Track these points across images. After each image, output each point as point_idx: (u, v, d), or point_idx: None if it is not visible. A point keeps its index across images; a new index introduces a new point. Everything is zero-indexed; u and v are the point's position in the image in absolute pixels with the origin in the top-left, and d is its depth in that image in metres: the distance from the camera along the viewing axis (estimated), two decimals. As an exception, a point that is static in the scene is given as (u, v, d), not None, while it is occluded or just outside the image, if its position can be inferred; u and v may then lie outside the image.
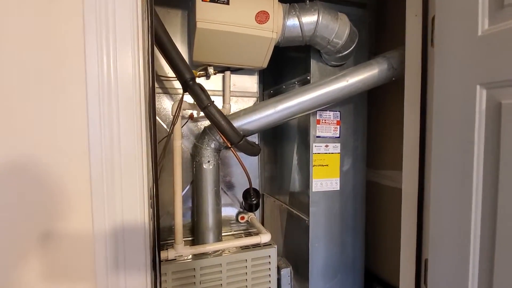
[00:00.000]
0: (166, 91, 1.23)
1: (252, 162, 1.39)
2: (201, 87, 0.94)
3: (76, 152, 0.55)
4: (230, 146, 1.03)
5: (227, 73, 1.26)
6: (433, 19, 0.75)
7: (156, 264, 0.65)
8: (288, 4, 1.07)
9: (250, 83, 1.35)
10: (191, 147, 1.26)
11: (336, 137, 1.24)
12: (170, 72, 1.08)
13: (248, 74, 1.35)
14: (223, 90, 1.28)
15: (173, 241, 1.05)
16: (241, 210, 1.36)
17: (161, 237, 1.23)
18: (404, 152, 0.84)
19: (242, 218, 1.33)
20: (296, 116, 1.12)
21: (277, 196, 1.54)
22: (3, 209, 0.51)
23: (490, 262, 0.58)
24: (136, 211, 0.58)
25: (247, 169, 1.12)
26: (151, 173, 0.65)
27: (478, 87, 0.62)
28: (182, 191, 1.27)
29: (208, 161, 1.09)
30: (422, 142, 0.79)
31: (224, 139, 1.00)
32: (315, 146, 1.21)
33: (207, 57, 1.12)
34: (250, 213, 1.35)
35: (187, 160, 1.28)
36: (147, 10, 0.65)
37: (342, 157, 1.25)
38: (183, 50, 1.26)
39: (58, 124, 0.54)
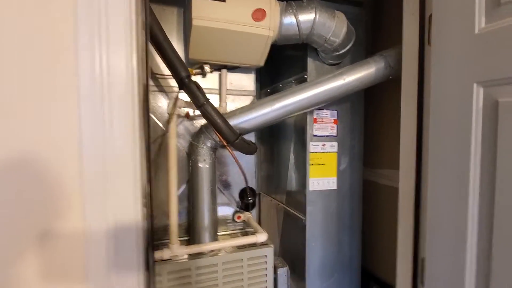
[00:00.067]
0: (162, 89, 1.22)
1: (249, 161, 1.38)
2: (197, 85, 0.93)
3: (67, 151, 0.54)
4: (226, 144, 1.02)
5: (224, 71, 1.25)
6: (430, 17, 0.75)
7: (150, 265, 0.64)
8: (285, 2, 1.06)
9: (247, 81, 1.34)
10: (187, 146, 1.25)
11: (333, 136, 1.24)
12: (166, 70, 1.07)
13: (245, 73, 1.34)
14: (220, 89, 1.27)
15: (168, 240, 1.04)
16: (238, 209, 1.35)
17: (157, 236, 1.22)
18: (401, 151, 0.84)
19: (239, 217, 1.32)
20: (293, 115, 1.12)
21: (274, 195, 1.53)
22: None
23: (487, 261, 0.58)
24: (129, 210, 0.57)
25: (243, 168, 1.11)
26: (145, 171, 0.63)
27: (475, 85, 0.62)
28: (178, 190, 1.26)
29: (204, 160, 1.08)
30: (419, 140, 0.79)
31: (220, 137, 0.99)
32: (312, 145, 1.20)
33: (203, 55, 1.11)
34: (246, 213, 1.34)
35: (183, 159, 1.27)
36: (141, 6, 0.64)
37: (339, 156, 1.25)
38: (179, 48, 1.25)
39: (48, 121, 0.53)
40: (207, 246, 1.06)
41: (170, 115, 1.00)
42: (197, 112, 1.11)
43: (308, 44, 1.14)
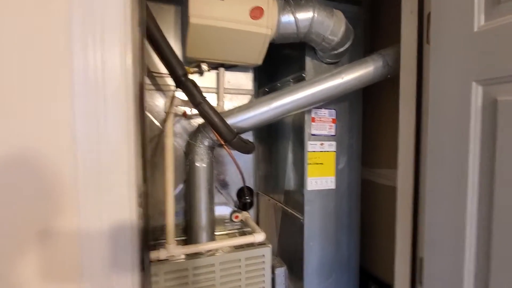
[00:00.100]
0: (159, 88, 1.20)
1: (247, 161, 1.37)
2: (193, 83, 0.92)
3: (60, 149, 0.53)
4: (223, 143, 1.01)
5: (221, 70, 1.24)
6: (428, 15, 0.75)
7: (145, 265, 0.63)
8: (283, 0, 1.06)
9: (245, 80, 1.33)
10: (184, 145, 1.24)
11: (331, 135, 1.23)
12: (163, 69, 1.06)
13: (243, 71, 1.33)
14: (217, 88, 1.26)
15: (166, 240, 1.03)
16: (235, 209, 1.34)
17: (153, 236, 1.21)
18: (399, 150, 0.83)
19: (236, 217, 1.31)
20: (291, 114, 1.11)
21: (272, 195, 1.52)
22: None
23: (486, 260, 0.58)
24: (124, 210, 0.56)
25: (241, 167, 1.10)
26: (141, 170, 0.63)
27: (474, 83, 0.61)
28: (176, 190, 1.25)
29: (202, 159, 1.07)
30: (417, 140, 0.78)
31: (217, 136, 0.98)
32: (310, 144, 1.20)
33: (200, 53, 1.10)
34: (244, 212, 1.33)
35: (180, 158, 1.26)
36: (137, 3, 0.63)
37: (338, 155, 1.25)
38: (176, 47, 1.23)
39: (41, 119, 0.52)
40: (204, 246, 1.05)
41: (167, 113, 0.99)
42: (195, 111, 1.11)
43: (306, 43, 1.13)
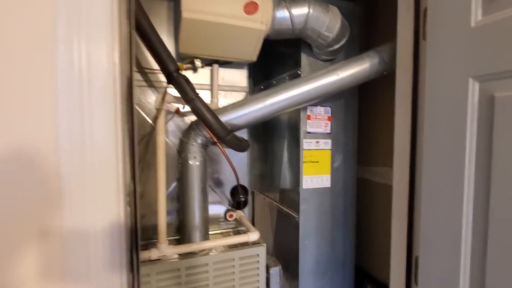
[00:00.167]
0: (151, 85, 1.18)
1: (241, 159, 1.35)
2: (186, 79, 0.90)
3: (43, 147, 0.50)
4: (216, 141, 0.99)
5: (215, 66, 1.22)
6: (425, 11, 0.73)
7: (134, 265, 0.61)
8: (278, -5, 1.04)
9: (240, 77, 1.31)
10: (178, 143, 1.22)
11: (327, 133, 1.22)
12: (155, 64, 1.03)
13: (237, 68, 1.31)
14: (211, 84, 1.24)
15: (157, 240, 1.01)
16: (230, 208, 1.33)
17: (146, 236, 1.19)
18: (395, 148, 0.82)
19: (231, 216, 1.30)
20: (286, 111, 1.09)
21: (267, 194, 1.51)
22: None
23: (482, 259, 0.57)
24: (111, 209, 0.54)
25: (234, 166, 1.09)
26: (129, 168, 0.60)
27: (470, 80, 0.60)
28: (169, 189, 1.23)
29: (195, 157, 1.05)
30: (413, 137, 0.77)
31: (210, 133, 0.96)
32: (306, 142, 1.18)
33: (193, 49, 1.08)
34: (238, 211, 1.31)
35: (174, 156, 1.23)
36: (125, -6, 0.60)
37: (333, 153, 1.23)
38: (169, 42, 1.21)
39: (24, 116, 0.50)
40: (197, 245, 1.03)
41: (158, 110, 0.97)
42: (188, 108, 1.08)
43: (302, 39, 1.12)
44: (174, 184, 1.24)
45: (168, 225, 1.24)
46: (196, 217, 1.07)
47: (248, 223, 1.22)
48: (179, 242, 1.17)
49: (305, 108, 1.17)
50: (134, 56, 0.66)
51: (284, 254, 1.34)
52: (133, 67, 0.65)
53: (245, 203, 1.24)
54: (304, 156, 1.18)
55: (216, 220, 1.34)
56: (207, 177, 1.15)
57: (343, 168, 1.26)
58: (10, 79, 0.48)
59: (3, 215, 0.48)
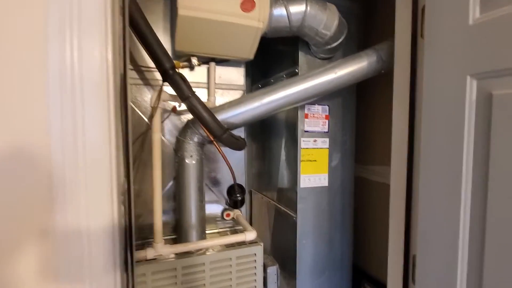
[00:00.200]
0: (148, 83, 1.17)
1: (238, 157, 1.35)
2: (182, 76, 0.89)
3: (35, 144, 0.49)
4: (212, 139, 0.98)
5: (212, 64, 1.21)
6: (423, 9, 0.73)
7: (129, 265, 0.61)
8: (275, -8, 1.03)
9: (237, 75, 1.30)
10: (174, 142, 1.21)
11: (324, 131, 1.22)
12: (152, 62, 1.02)
13: (234, 66, 1.30)
14: (208, 82, 1.23)
15: (153, 239, 1.00)
16: (227, 207, 1.32)
17: (143, 235, 1.18)
18: (393, 146, 0.82)
19: (228, 215, 1.29)
20: (283, 109, 1.09)
21: (265, 193, 1.50)
22: None
23: (479, 257, 0.56)
24: (104, 208, 0.53)
25: (231, 164, 1.08)
26: (123, 166, 0.60)
27: (468, 78, 0.60)
28: (165, 188, 1.22)
29: (191, 156, 1.04)
30: (411, 136, 0.77)
31: (206, 132, 0.95)
32: (303, 141, 1.18)
33: (190, 46, 1.06)
34: (236, 210, 1.31)
35: (170, 155, 1.22)
36: (119, -10, 0.59)
37: (331, 152, 1.23)
38: (165, 40, 1.20)
39: (14, 114, 0.49)
40: (193, 245, 1.02)
41: (154, 108, 0.95)
42: (185, 106, 1.07)
43: (300, 37, 1.11)
44: (170, 183, 1.23)
45: (165, 224, 1.23)
46: (192, 216, 1.06)
47: (245, 222, 1.22)
48: (175, 241, 1.16)
49: (302, 107, 1.16)
50: (128, 52, 0.65)
51: (282, 253, 1.34)
52: (127, 64, 0.64)
53: (242, 202, 1.23)
54: (302, 155, 1.18)
55: (213, 220, 1.33)
56: (204, 176, 1.14)
57: (340, 167, 1.26)
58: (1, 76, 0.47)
59: (-7, 214, 0.48)
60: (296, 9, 1.01)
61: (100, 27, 0.53)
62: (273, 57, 1.38)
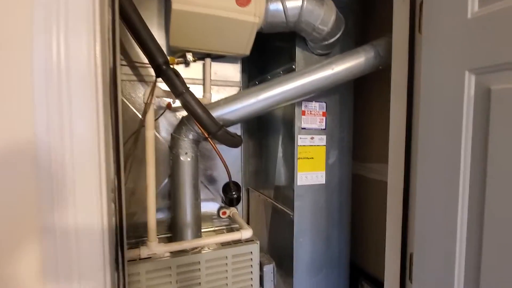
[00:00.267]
0: (142, 79, 1.15)
1: (234, 155, 1.33)
2: (175, 72, 0.87)
3: (18, 139, 0.48)
4: (207, 136, 0.96)
5: (208, 60, 1.19)
6: (421, 4, 0.72)
7: (119, 264, 0.59)
8: (271, -14, 1.01)
9: (233, 71, 1.29)
10: (170, 139, 1.19)
11: (322, 129, 1.20)
12: (146, 58, 1.00)
13: (230, 62, 1.28)
14: (204, 79, 1.21)
15: (147, 238, 0.99)
16: (223, 205, 1.31)
17: (137, 233, 1.16)
18: (390, 144, 0.81)
19: (224, 213, 1.28)
20: (280, 106, 1.07)
21: (262, 191, 1.49)
22: None
23: (477, 256, 0.56)
24: (92, 206, 0.52)
25: (226, 162, 1.06)
26: (113, 163, 0.58)
27: (466, 73, 0.59)
28: (160, 185, 1.21)
29: (186, 153, 1.03)
30: (409, 133, 0.76)
31: (201, 128, 0.94)
32: (300, 138, 1.16)
33: (185, 42, 1.05)
34: (232, 208, 1.29)
35: (165, 152, 1.21)
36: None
37: (328, 149, 1.22)
38: (160, 36, 1.18)
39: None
40: (188, 243, 1.01)
41: (147, 104, 0.94)
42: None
43: (297, 33, 1.09)
44: (166, 181, 1.21)
45: (160, 222, 1.22)
46: (187, 214, 1.05)
47: (241, 220, 1.21)
48: (171, 240, 1.15)
49: (299, 104, 1.15)
50: (119, 46, 0.63)
51: (279, 251, 1.33)
52: (118, 57, 0.62)
53: (237, 200, 1.22)
54: (299, 152, 1.16)
55: (209, 218, 1.32)
56: (199, 174, 1.13)
57: (338, 164, 1.24)
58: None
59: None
60: (293, 4, 0.99)
61: (87, 19, 0.51)
62: (270, 53, 1.37)
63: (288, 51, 1.20)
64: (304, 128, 1.17)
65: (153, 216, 0.97)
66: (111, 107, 0.57)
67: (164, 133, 1.21)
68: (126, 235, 1.07)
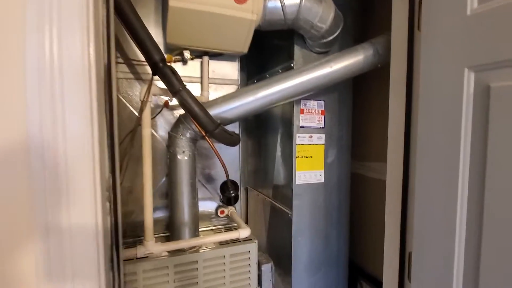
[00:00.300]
0: (139, 77, 1.14)
1: (233, 154, 1.33)
2: (172, 69, 0.86)
3: (11, 137, 0.47)
4: (204, 134, 0.95)
5: (205, 58, 1.18)
6: (420, 2, 0.71)
7: (114, 264, 0.59)
8: (269, -17, 1.00)
9: (231, 70, 1.28)
10: (167, 138, 1.19)
11: (320, 127, 1.20)
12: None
13: (228, 60, 1.27)
14: (201, 77, 1.20)
15: (144, 237, 0.98)
16: (221, 204, 1.30)
17: (135, 233, 1.16)
18: (389, 142, 0.80)
19: (222, 212, 1.27)
20: (278, 104, 1.06)
21: (261, 190, 1.49)
22: None
23: (476, 255, 0.55)
24: (86, 205, 0.51)
25: (224, 161, 1.05)
26: (108, 162, 0.57)
27: (466, 70, 0.58)
28: (158, 184, 1.20)
29: (183, 152, 1.02)
30: (408, 132, 0.75)
31: (198, 126, 0.93)
32: (299, 136, 1.16)
33: (182, 39, 1.04)
34: (230, 207, 1.29)
35: (163, 151, 1.20)
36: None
37: (327, 148, 1.21)
38: (157, 34, 1.17)
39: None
40: (185, 242, 1.00)
41: (143, 102, 0.93)
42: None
43: (295, 31, 1.08)
44: (163, 180, 1.21)
45: (158, 221, 1.22)
46: (185, 213, 1.04)
47: (239, 219, 1.20)
48: (168, 239, 1.14)
49: (298, 102, 1.14)
50: (113, 42, 0.62)
51: (277, 250, 1.32)
52: (113, 54, 0.61)
53: (235, 199, 1.21)
54: (297, 151, 1.16)
55: (207, 217, 1.31)
56: (197, 173, 1.12)
57: (337, 163, 1.24)
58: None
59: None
60: (291, 1, 0.98)
61: (81, 14, 0.50)
62: (269, 51, 1.36)
63: (286, 49, 1.19)
64: (302, 127, 1.16)
65: (149, 215, 0.96)
66: (105, 104, 0.56)
67: (162, 131, 1.20)
68: (123, 234, 1.07)
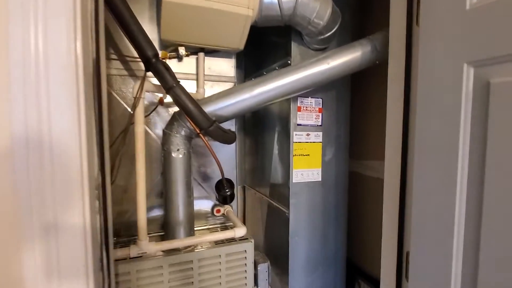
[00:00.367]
0: (133, 74, 1.12)
1: (229, 152, 1.31)
2: (165, 65, 0.84)
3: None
4: (198, 132, 0.94)
5: (201, 54, 1.16)
6: (418, -3, 0.69)
7: (104, 264, 0.57)
8: (266, -22, 0.98)
9: (227, 67, 1.26)
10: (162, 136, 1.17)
11: (318, 125, 1.18)
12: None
13: (224, 57, 1.25)
14: (197, 74, 1.19)
15: (137, 237, 0.97)
16: (217, 202, 1.28)
17: (129, 232, 1.14)
18: (387, 140, 0.78)
19: (218, 211, 1.26)
20: (274, 101, 1.05)
21: (258, 188, 1.47)
22: None
23: (474, 254, 0.54)
24: (72, 204, 0.49)
25: (219, 159, 1.04)
26: (96, 159, 0.56)
27: (465, 65, 0.57)
28: (153, 183, 1.19)
29: (178, 150, 1.00)
30: (406, 129, 0.74)
31: (192, 124, 0.91)
32: (296, 134, 1.14)
33: (176, 35, 1.02)
34: (226, 206, 1.27)
35: (158, 149, 1.19)
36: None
37: (324, 146, 1.19)
38: (151, 30, 1.15)
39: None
40: (179, 242, 0.99)
41: (136, 98, 0.91)
42: (172, 98, 1.03)
43: (292, 27, 1.06)
44: (159, 178, 1.19)
45: (154, 220, 1.20)
46: (180, 212, 1.03)
47: (235, 218, 1.19)
48: (163, 238, 1.13)
49: (295, 100, 1.13)
50: (103, 36, 0.60)
51: (274, 249, 1.31)
52: (102, 48, 0.59)
53: (231, 198, 1.20)
54: (294, 149, 1.14)
55: (203, 216, 1.30)
56: (192, 171, 1.11)
57: (334, 161, 1.22)
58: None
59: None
60: (288, -4, 0.96)
61: (67, 8, 0.49)
62: (266, 48, 1.34)
63: (283, 46, 1.17)
64: (299, 125, 1.15)
65: (143, 214, 0.94)
66: (94, 100, 0.55)
67: (157, 129, 1.19)
68: (117, 233, 1.05)
